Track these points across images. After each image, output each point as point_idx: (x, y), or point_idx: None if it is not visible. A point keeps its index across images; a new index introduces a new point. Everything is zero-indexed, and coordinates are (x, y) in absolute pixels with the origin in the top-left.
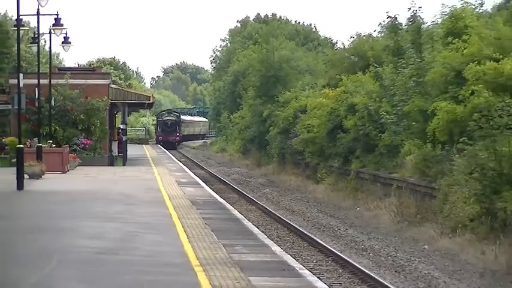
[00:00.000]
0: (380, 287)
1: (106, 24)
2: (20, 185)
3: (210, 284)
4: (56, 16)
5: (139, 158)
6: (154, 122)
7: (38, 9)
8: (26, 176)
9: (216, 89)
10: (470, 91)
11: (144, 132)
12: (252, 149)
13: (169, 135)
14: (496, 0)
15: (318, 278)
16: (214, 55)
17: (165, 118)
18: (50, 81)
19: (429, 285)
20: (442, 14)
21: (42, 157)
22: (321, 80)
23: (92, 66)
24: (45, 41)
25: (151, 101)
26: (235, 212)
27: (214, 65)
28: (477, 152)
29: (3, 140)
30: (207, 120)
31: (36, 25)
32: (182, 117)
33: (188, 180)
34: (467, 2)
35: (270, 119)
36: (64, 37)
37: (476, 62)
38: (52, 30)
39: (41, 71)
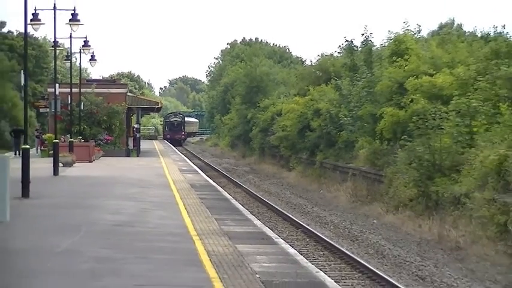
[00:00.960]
0: (338, 252)
1: (124, 44)
2: (56, 172)
3: (205, 249)
4: (84, 39)
5: (150, 150)
6: (162, 123)
7: (71, 33)
8: (60, 164)
9: (211, 96)
10: (410, 99)
11: (153, 131)
12: (239, 144)
13: (176, 134)
14: (431, 28)
15: (289, 245)
16: (209, 70)
17: (172, 119)
18: (80, 90)
19: (377, 251)
20: (388, 39)
21: (73, 149)
22: (293, 90)
23: (113, 78)
24: (76, 58)
25: (159, 106)
26: (225, 193)
27: (209, 78)
28: (415, 147)
29: (43, 136)
30: (198, 120)
31: (69, 46)
32: (185, 118)
33: (188, 168)
34: (408, 30)
35: (252, 120)
36: (91, 55)
37: (415, 76)
38: (82, 50)
39: (72, 82)
